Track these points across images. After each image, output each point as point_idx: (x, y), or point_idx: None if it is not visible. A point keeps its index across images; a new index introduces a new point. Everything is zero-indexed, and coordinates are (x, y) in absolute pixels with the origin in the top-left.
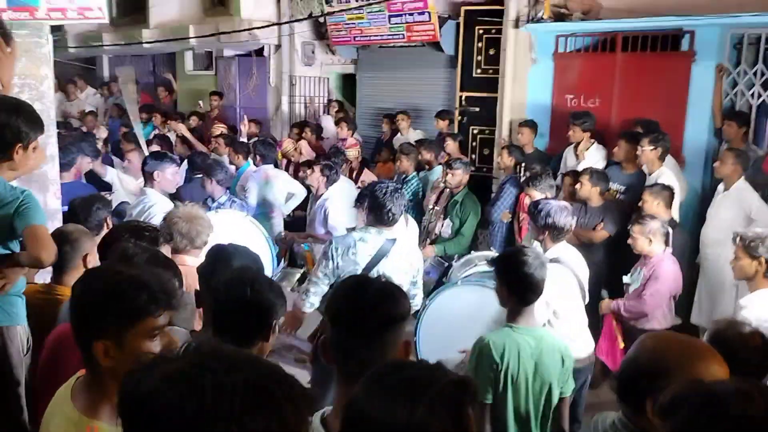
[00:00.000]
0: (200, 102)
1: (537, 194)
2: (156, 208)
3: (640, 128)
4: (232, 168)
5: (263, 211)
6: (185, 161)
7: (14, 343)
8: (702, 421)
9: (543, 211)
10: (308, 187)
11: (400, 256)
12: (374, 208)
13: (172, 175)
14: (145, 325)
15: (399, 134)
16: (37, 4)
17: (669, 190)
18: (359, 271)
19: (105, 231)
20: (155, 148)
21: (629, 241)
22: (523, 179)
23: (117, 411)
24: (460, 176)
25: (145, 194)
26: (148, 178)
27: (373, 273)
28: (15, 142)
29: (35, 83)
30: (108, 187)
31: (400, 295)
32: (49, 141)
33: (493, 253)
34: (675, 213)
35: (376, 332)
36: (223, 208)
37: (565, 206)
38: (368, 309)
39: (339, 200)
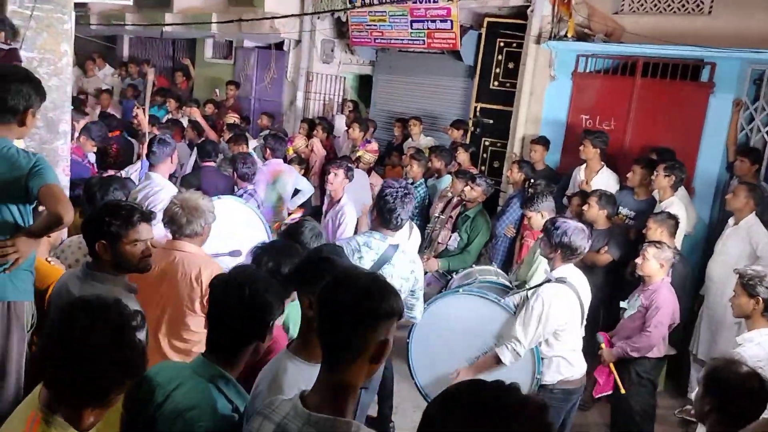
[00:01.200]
0: (216, 90)
1: (534, 216)
2: (162, 193)
3: (655, 155)
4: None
5: (272, 205)
6: (194, 149)
7: (20, 319)
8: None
9: (560, 229)
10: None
11: (402, 262)
12: (382, 211)
13: (171, 157)
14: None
15: (410, 139)
16: None
17: (674, 219)
18: None
19: None
20: (167, 131)
21: (637, 260)
22: (524, 199)
23: None
24: (479, 193)
25: (150, 179)
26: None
27: None
28: (27, 108)
29: (54, 58)
30: None
31: (384, 294)
32: (63, 117)
33: (494, 269)
34: (678, 243)
35: (348, 323)
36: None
37: (583, 228)
38: (343, 301)
39: (353, 210)
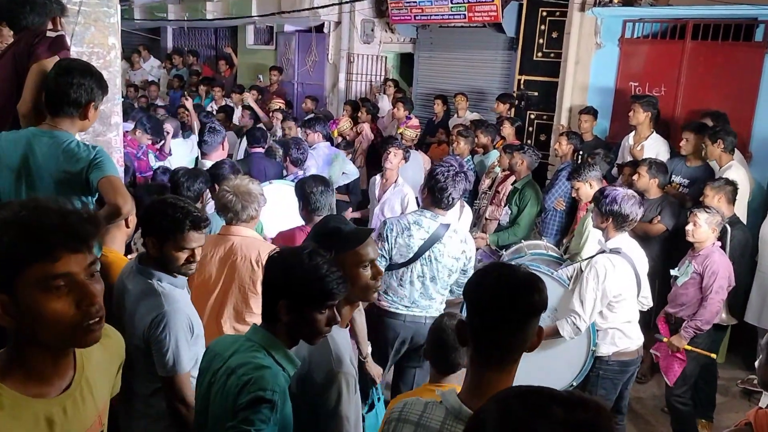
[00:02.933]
0: (260, 76)
1: (582, 186)
2: None
3: (708, 120)
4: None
5: None
6: (243, 136)
7: None
8: None
9: (609, 197)
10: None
11: (453, 241)
12: (434, 190)
13: (222, 145)
14: (35, 273)
15: (456, 116)
16: None
17: (732, 185)
18: (411, 255)
19: (200, 203)
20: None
21: (687, 226)
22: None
23: None
24: (524, 163)
25: (202, 165)
26: (203, 152)
27: (425, 257)
28: (90, 101)
29: (103, 52)
30: None
31: (540, 286)
32: (114, 110)
33: (543, 242)
34: (739, 210)
35: (517, 322)
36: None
37: (633, 195)
38: (511, 299)
39: (411, 190)
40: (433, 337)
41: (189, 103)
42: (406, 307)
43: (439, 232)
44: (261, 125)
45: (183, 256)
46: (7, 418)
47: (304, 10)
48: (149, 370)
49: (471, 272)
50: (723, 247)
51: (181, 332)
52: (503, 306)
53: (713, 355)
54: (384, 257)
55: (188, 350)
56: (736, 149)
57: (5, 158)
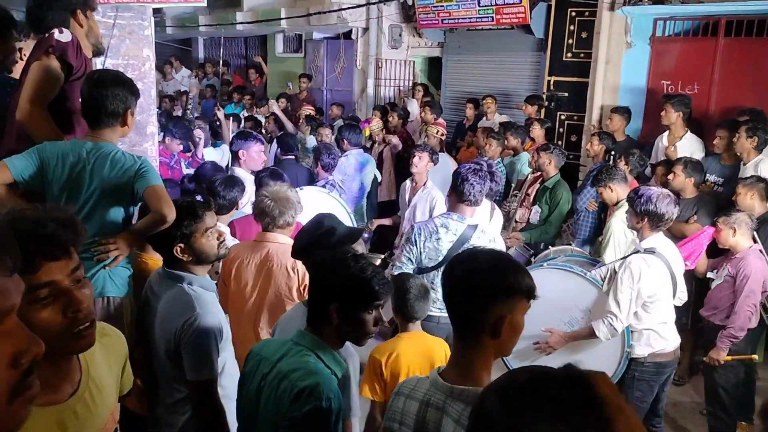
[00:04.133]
0: (289, 84)
1: (604, 191)
2: (247, 186)
3: (744, 117)
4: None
5: (353, 195)
6: (273, 141)
7: (117, 313)
8: None
9: (644, 196)
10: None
11: (482, 242)
12: (457, 187)
13: (257, 153)
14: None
15: (484, 118)
16: None
17: (764, 182)
18: (441, 258)
19: (233, 212)
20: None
21: (714, 234)
22: (628, 169)
23: None
24: (550, 162)
25: (232, 172)
26: (234, 156)
27: None
28: (127, 109)
29: (138, 64)
30: None
31: (502, 271)
32: (149, 120)
33: (571, 247)
34: None
35: (467, 299)
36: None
37: (668, 194)
38: (464, 277)
39: (440, 193)
40: (397, 291)
41: (221, 113)
42: (439, 309)
43: (467, 234)
44: (292, 129)
45: (213, 238)
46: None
47: (331, 11)
48: (177, 377)
49: None
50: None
51: (212, 336)
52: (455, 281)
53: (755, 357)
54: (411, 260)
55: (218, 355)
56: None
57: (56, 172)
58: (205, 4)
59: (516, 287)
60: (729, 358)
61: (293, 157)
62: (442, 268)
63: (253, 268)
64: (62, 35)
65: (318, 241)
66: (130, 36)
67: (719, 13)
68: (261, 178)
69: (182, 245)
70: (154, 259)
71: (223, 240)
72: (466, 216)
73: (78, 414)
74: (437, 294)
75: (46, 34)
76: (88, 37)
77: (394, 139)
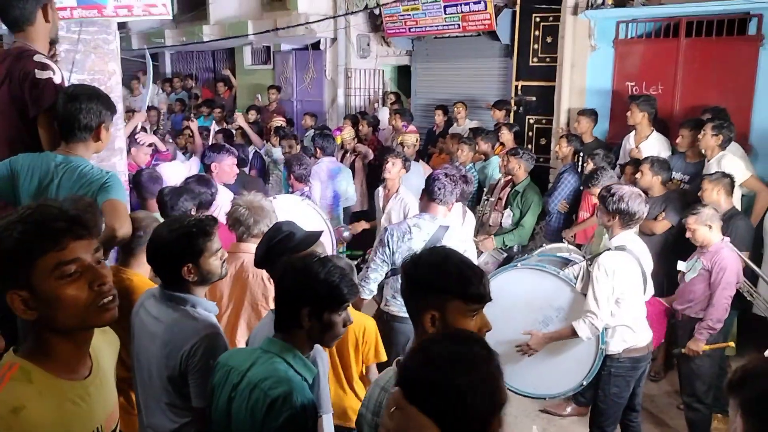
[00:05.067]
0: (258, 96)
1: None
2: (218, 198)
3: (708, 116)
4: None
5: (328, 203)
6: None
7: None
8: None
9: (616, 195)
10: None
11: (453, 242)
12: (428, 188)
13: (230, 166)
14: (47, 263)
15: (455, 124)
16: (105, 2)
17: (729, 178)
18: None
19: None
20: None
21: (688, 234)
22: (583, 178)
23: None
24: (519, 166)
25: (217, 190)
26: (207, 169)
27: None
28: (101, 124)
29: (104, 78)
30: None
31: (446, 268)
32: (117, 134)
33: (565, 245)
34: (737, 201)
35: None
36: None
37: (639, 193)
38: (414, 271)
39: (413, 198)
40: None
41: (194, 125)
42: None
43: (439, 234)
44: (257, 144)
45: (220, 258)
46: (34, 392)
47: (298, 25)
48: (178, 403)
49: None
50: (728, 236)
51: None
52: (403, 273)
53: (731, 344)
54: (386, 262)
55: None
56: (734, 142)
57: (25, 183)
58: (171, 18)
59: (444, 286)
60: (707, 347)
61: (245, 169)
62: None
63: (228, 279)
64: (44, 72)
65: (278, 247)
66: (95, 51)
67: (680, 15)
68: (188, 183)
69: (191, 264)
70: (139, 275)
71: (225, 259)
72: (437, 216)
73: (91, 394)
74: None
75: (42, 75)
76: (50, 31)
77: (364, 149)
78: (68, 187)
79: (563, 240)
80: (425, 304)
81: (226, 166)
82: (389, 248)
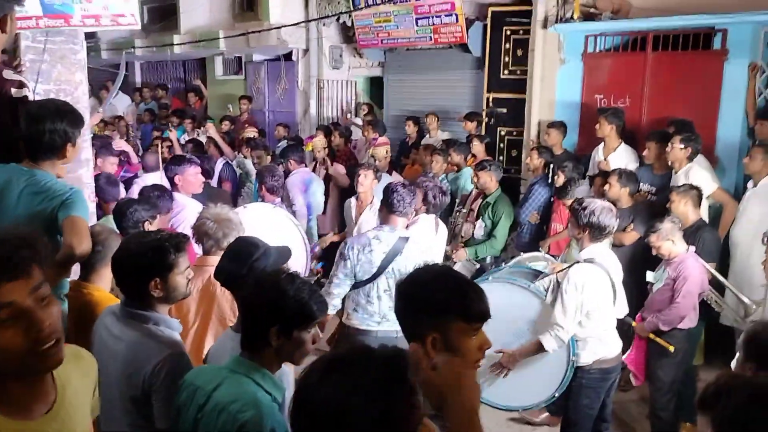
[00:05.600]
0: (230, 106)
1: (569, 202)
2: (186, 212)
3: (673, 128)
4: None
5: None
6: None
7: None
8: (747, 410)
9: (588, 209)
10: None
11: (414, 253)
12: (387, 199)
13: (194, 175)
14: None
15: (428, 135)
16: (71, 12)
17: (696, 190)
18: (375, 270)
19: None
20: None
21: (654, 252)
22: (556, 188)
23: None
24: (488, 178)
25: (173, 199)
26: (171, 183)
27: (389, 270)
28: (66, 143)
29: (70, 89)
30: None
31: (444, 287)
32: (83, 145)
33: (542, 254)
34: (704, 213)
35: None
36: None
37: (610, 207)
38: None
39: None
40: None
41: (173, 135)
42: (377, 323)
43: (399, 246)
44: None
45: (187, 275)
46: None
47: (269, 29)
48: (141, 425)
49: None
50: (695, 247)
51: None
52: (397, 293)
53: (670, 348)
54: (348, 276)
55: None
56: (701, 154)
57: None
58: (139, 27)
59: (445, 305)
60: (653, 336)
61: (209, 181)
62: (377, 281)
63: (195, 293)
64: (20, 91)
65: (242, 264)
66: (61, 61)
67: (647, 29)
68: (144, 194)
69: (159, 279)
70: (100, 290)
71: (191, 278)
72: (397, 228)
73: None
74: (374, 307)
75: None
76: (5, 42)
77: (340, 168)
78: (28, 201)
79: (539, 249)
80: (425, 326)
81: (190, 177)
82: (350, 261)
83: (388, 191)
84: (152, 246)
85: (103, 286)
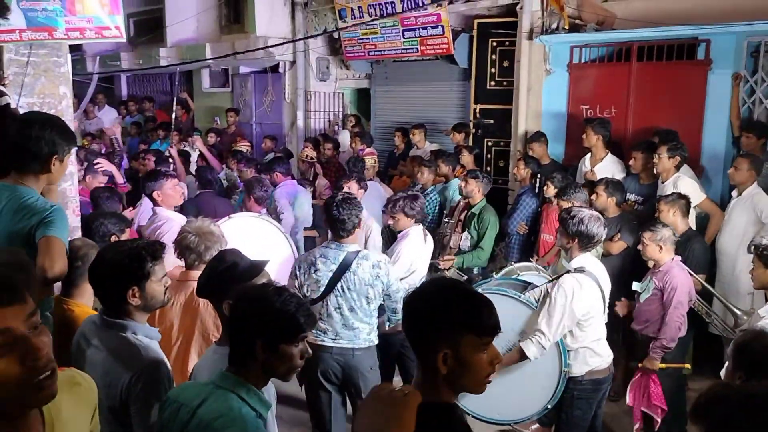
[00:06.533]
0: (216, 119)
1: (565, 204)
2: (167, 225)
3: (658, 138)
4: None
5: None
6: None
7: None
8: (739, 419)
9: (576, 218)
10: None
11: (363, 268)
12: (328, 222)
13: (172, 188)
14: None
15: (415, 147)
16: (56, 25)
17: (685, 199)
18: (322, 289)
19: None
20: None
21: (639, 247)
22: (557, 190)
23: None
24: (475, 188)
25: (155, 214)
26: (152, 199)
27: (338, 288)
28: (52, 155)
29: (54, 102)
30: None
31: (460, 303)
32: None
33: (533, 264)
34: (692, 222)
35: (413, 328)
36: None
37: (599, 216)
38: (415, 304)
39: (373, 219)
40: None
41: (174, 151)
42: (332, 339)
43: (348, 260)
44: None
45: (165, 284)
46: None
47: (256, 49)
48: None
49: (396, 295)
50: (684, 261)
51: (163, 388)
52: (404, 312)
53: (687, 366)
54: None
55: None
56: (686, 165)
57: None
58: (125, 40)
59: (456, 320)
60: (663, 366)
61: (211, 190)
62: (326, 299)
63: (178, 308)
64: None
65: (221, 277)
66: (45, 74)
67: (631, 39)
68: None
69: (136, 288)
70: (80, 305)
71: (168, 287)
72: (344, 244)
73: None
74: (326, 325)
75: None
76: None
77: (322, 182)
78: (7, 219)
79: (530, 259)
80: (435, 341)
81: (168, 190)
82: (297, 280)
83: (328, 217)
84: (128, 254)
85: (85, 301)
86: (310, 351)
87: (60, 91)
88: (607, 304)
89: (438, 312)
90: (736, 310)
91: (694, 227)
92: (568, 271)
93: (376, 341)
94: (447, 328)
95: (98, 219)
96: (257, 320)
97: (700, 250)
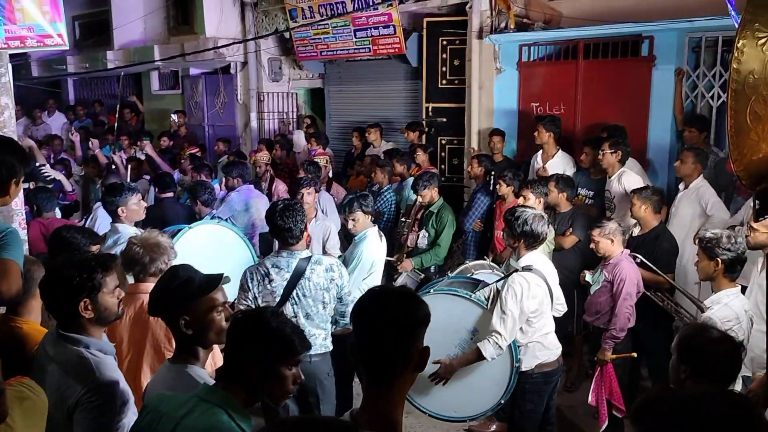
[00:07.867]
0: (174, 117)
1: (532, 197)
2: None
3: (606, 134)
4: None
5: (245, 231)
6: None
7: None
8: (671, 425)
9: (520, 219)
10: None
11: (317, 273)
12: (275, 232)
13: (137, 204)
14: None
15: (371, 147)
16: None
17: (659, 195)
18: (278, 299)
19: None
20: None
21: (591, 245)
22: (507, 189)
23: None
24: (430, 192)
25: (117, 231)
26: (113, 215)
27: (293, 296)
28: (11, 178)
29: None
30: None
31: (414, 304)
32: None
33: (487, 262)
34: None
35: (392, 339)
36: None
37: (542, 215)
38: (384, 316)
39: (332, 222)
40: None
41: (117, 158)
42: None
43: (301, 267)
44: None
45: (117, 296)
46: None
47: (205, 50)
48: None
49: (347, 299)
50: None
51: (114, 404)
52: (377, 324)
53: (633, 354)
54: (250, 306)
55: (119, 421)
56: (632, 158)
57: None
58: (68, 47)
59: (425, 317)
60: (614, 356)
61: (172, 194)
62: (282, 309)
63: (127, 322)
64: None
65: (175, 294)
66: None
67: (577, 38)
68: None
69: (88, 300)
70: (29, 322)
71: (121, 299)
72: (295, 250)
73: None
74: None
75: None
76: None
77: (281, 186)
78: None
79: (484, 257)
80: (416, 342)
81: (132, 206)
82: (251, 292)
83: (274, 226)
84: (78, 266)
85: (33, 318)
86: (302, 377)
87: (2, 101)
88: (555, 300)
89: (414, 312)
90: (702, 304)
91: None
92: (516, 270)
93: (331, 347)
94: (422, 324)
95: (71, 231)
96: (252, 339)
97: (668, 250)
